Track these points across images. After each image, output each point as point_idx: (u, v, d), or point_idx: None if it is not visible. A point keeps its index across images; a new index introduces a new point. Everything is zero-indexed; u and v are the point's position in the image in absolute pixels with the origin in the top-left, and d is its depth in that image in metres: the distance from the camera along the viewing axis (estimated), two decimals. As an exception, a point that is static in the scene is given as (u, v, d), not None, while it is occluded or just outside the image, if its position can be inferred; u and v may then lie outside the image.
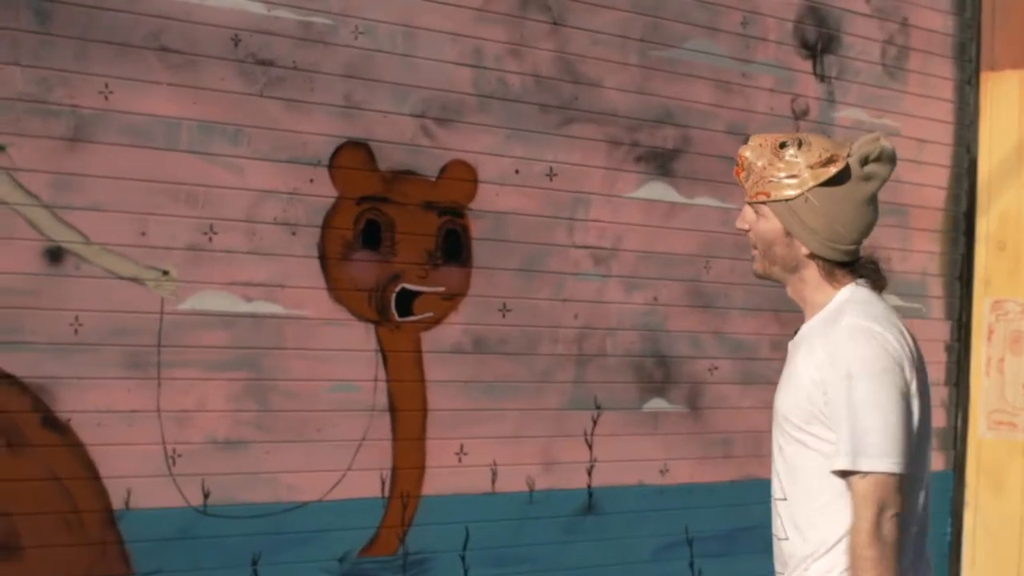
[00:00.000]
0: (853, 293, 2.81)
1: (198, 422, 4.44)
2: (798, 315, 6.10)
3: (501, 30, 5.14)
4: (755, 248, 2.88)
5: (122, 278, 4.31)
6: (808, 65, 6.16)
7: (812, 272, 2.82)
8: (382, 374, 4.83)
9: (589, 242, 5.37)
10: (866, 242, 2.90)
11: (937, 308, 6.72)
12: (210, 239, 4.48)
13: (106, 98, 4.28)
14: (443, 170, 4.99)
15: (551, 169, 5.28)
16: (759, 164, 2.81)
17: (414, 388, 4.91)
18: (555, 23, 5.29)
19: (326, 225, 4.72)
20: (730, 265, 5.74)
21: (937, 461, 6.69)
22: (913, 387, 2.72)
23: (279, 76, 4.62)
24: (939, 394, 6.68)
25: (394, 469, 4.87)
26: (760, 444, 5.44)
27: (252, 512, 4.55)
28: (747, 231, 2.89)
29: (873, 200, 2.81)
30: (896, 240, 6.48)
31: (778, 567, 2.90)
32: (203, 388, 4.45)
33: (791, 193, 2.76)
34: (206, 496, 4.46)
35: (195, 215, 4.44)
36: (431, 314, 4.96)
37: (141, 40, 4.34)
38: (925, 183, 6.63)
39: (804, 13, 6.12)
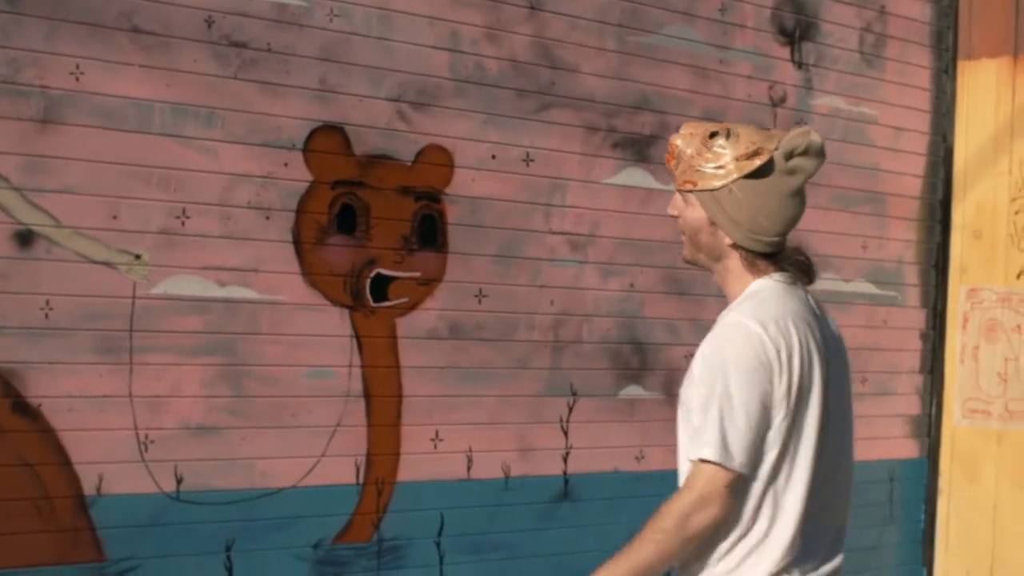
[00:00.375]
0: (760, 288, 2.82)
1: (171, 408, 4.40)
2: (775, 302, 6.07)
3: (478, 14, 5.11)
4: (682, 234, 2.90)
5: (94, 262, 4.26)
6: (786, 52, 6.15)
7: (735, 262, 2.84)
8: (357, 360, 4.80)
9: (566, 228, 5.34)
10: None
11: (913, 296, 6.72)
12: (183, 223, 4.43)
13: (77, 79, 4.23)
14: (419, 155, 4.96)
15: (528, 155, 5.25)
16: (688, 152, 2.82)
17: (389, 374, 4.88)
18: (532, 7, 5.26)
19: (300, 209, 4.68)
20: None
21: (912, 448, 6.71)
22: (780, 391, 2.72)
23: (253, 58, 4.57)
24: (914, 382, 6.69)
25: (369, 455, 4.84)
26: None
27: (226, 498, 4.51)
28: (676, 217, 2.90)
29: (798, 193, 2.82)
30: (873, 228, 6.48)
31: None
32: (176, 373, 4.41)
33: (717, 184, 2.78)
34: (179, 482, 4.42)
35: (168, 199, 4.40)
36: (406, 299, 4.93)
37: (113, 20, 4.29)
38: (902, 171, 6.64)
39: (782, 0, 6.10)
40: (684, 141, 2.85)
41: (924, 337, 6.76)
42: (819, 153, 2.82)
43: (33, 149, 4.16)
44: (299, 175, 4.67)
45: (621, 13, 5.52)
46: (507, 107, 5.18)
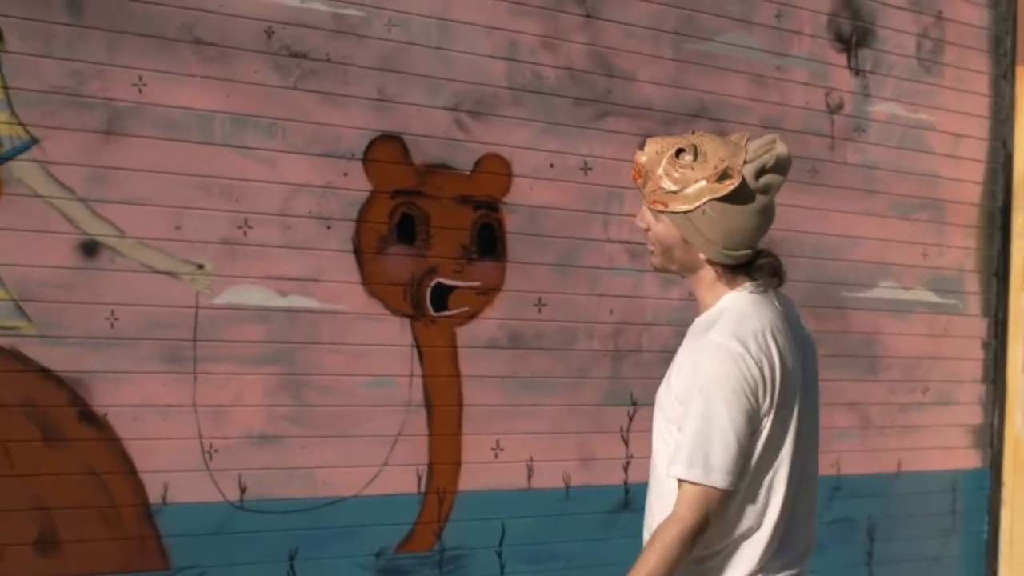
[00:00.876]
0: (734, 301, 2.82)
1: (234, 417, 4.42)
2: (833, 310, 6.04)
3: (535, 23, 5.11)
4: (652, 245, 2.88)
5: (157, 272, 4.29)
6: (843, 59, 6.11)
7: (708, 273, 2.84)
8: (418, 369, 4.80)
9: (624, 236, 5.32)
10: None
11: (974, 304, 6.65)
12: (245, 233, 4.45)
13: (140, 91, 4.26)
14: (477, 164, 4.96)
15: (585, 163, 5.24)
16: (657, 172, 2.77)
17: (450, 383, 4.88)
18: (589, 16, 5.26)
19: (360, 219, 4.69)
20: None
21: (973, 458, 6.64)
22: (764, 407, 2.75)
23: (313, 69, 4.59)
24: (976, 391, 6.62)
25: (430, 465, 4.84)
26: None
27: (288, 507, 4.52)
28: (646, 230, 2.87)
29: (770, 206, 2.80)
30: (932, 235, 6.42)
31: (645, 532, 2.92)
32: (239, 383, 4.43)
33: (688, 206, 2.74)
34: (242, 491, 4.43)
35: (230, 209, 4.42)
36: (466, 309, 4.93)
37: (175, 32, 4.32)
38: (961, 178, 6.57)
39: (839, 6, 6.07)
40: (650, 160, 2.78)
41: (986, 346, 6.69)
42: (786, 165, 2.77)
43: (97, 160, 4.20)
44: (359, 185, 4.69)
45: (677, 21, 5.51)
46: (564, 115, 5.18)
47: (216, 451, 4.38)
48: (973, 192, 6.64)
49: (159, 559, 4.27)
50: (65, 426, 4.11)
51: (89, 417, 4.16)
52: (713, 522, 2.72)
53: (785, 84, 5.88)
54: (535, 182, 5.10)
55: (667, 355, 5.33)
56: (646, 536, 2.88)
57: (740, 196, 2.72)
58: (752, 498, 2.79)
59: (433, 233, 4.84)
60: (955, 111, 6.55)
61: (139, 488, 4.24)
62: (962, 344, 6.57)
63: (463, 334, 4.92)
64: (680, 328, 5.37)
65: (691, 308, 5.43)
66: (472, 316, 4.95)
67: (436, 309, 4.85)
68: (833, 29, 6.08)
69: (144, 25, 4.26)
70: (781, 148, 2.76)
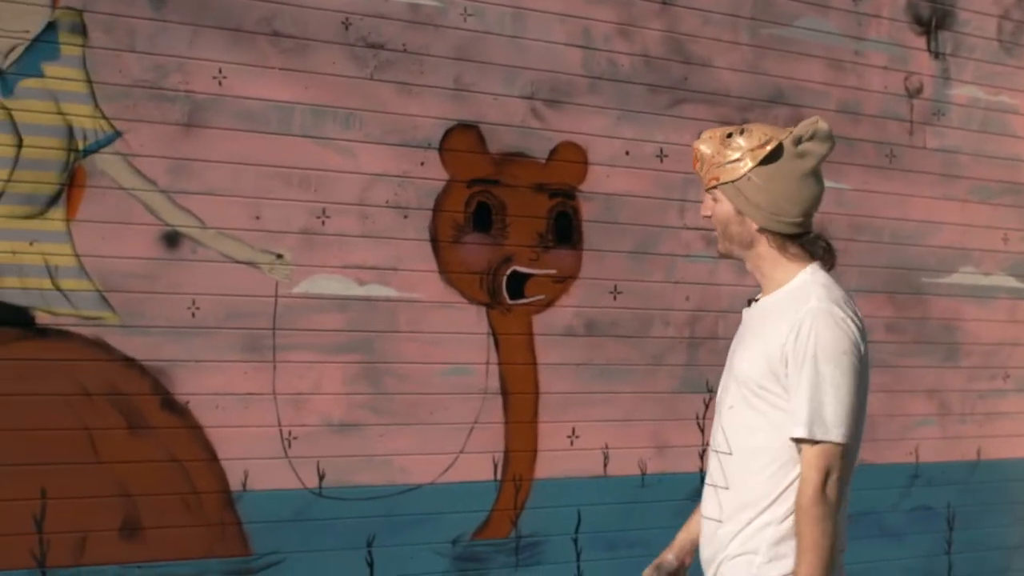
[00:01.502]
0: (814, 275, 3.00)
1: (313, 405, 4.47)
2: (915, 295, 5.98)
3: (610, 10, 5.10)
4: (715, 230, 3.10)
5: (237, 262, 4.35)
6: (922, 42, 6.03)
7: (765, 247, 3.02)
8: (494, 357, 4.82)
9: (700, 224, 5.30)
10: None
11: (1056, 289, 6.55)
12: (323, 223, 4.50)
13: (220, 83, 4.32)
14: (553, 152, 4.97)
15: (661, 150, 5.23)
16: (709, 154, 3.04)
17: (526, 371, 4.90)
18: (664, 3, 5.24)
19: (437, 208, 4.72)
20: (844, 246, 5.63)
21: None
22: (865, 367, 2.94)
23: (389, 59, 4.62)
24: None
25: (506, 452, 4.86)
26: (873, 427, 5.37)
27: (366, 494, 4.57)
28: (709, 217, 3.10)
29: (813, 175, 3.00)
30: (1013, 220, 6.33)
31: (710, 512, 3.09)
32: (318, 371, 4.48)
33: (736, 175, 2.98)
34: (321, 478, 4.49)
35: (308, 199, 4.47)
36: (542, 297, 4.94)
37: (253, 25, 4.37)
38: (1043, 161, 6.47)
39: (918, -11, 5.99)
40: (705, 145, 3.06)
41: (1068, 331, 6.59)
42: (826, 137, 3.00)
43: (178, 152, 4.26)
44: (435, 174, 4.72)
45: (753, 6, 5.48)
46: (640, 103, 5.17)
47: (295, 439, 4.43)
48: (1056, 176, 6.54)
49: (240, 545, 4.34)
50: (148, 414, 4.19)
51: (171, 405, 4.23)
52: (836, 478, 2.85)
53: (863, 68, 5.82)
54: (611, 170, 5.10)
55: (743, 342, 5.37)
56: (715, 513, 3.03)
57: (781, 163, 2.96)
58: (855, 457, 2.95)
59: (509, 221, 4.86)
60: (1038, 94, 6.45)
61: (220, 475, 4.30)
62: (1044, 330, 6.48)
63: (539, 322, 4.94)
64: (757, 315, 5.39)
65: (768, 295, 5.43)
66: (548, 304, 4.96)
67: (512, 297, 4.87)
68: (912, 12, 6.00)
69: (223, 18, 4.32)
70: (822, 123, 3.00)
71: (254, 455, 4.36)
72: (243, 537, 4.35)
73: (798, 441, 2.88)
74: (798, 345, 2.87)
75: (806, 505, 2.85)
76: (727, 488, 3.01)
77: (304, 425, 4.45)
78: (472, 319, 4.79)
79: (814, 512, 2.84)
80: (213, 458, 4.30)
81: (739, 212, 3.00)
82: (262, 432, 4.38)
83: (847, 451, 2.87)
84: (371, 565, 4.59)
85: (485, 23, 4.81)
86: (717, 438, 3.08)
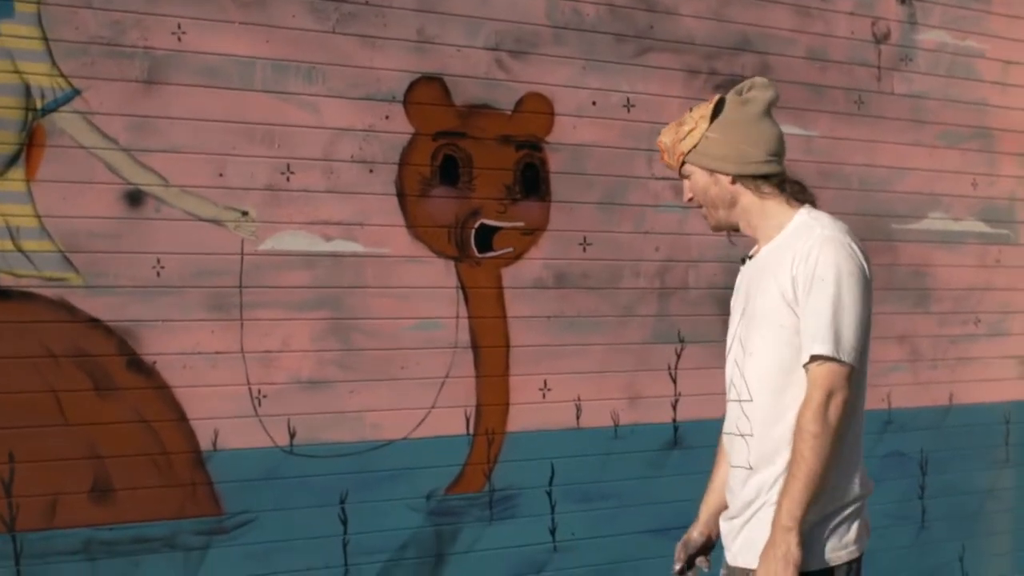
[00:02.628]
0: (811, 213, 3.07)
1: (282, 362, 4.44)
2: (884, 242, 5.96)
3: (574, -41, 5.05)
4: (702, 208, 3.19)
5: (202, 220, 4.30)
6: (889, -13, 6.01)
7: (748, 198, 3.10)
8: (464, 311, 4.80)
9: (669, 173, 5.27)
10: None
11: (1025, 233, 6.57)
12: (288, 179, 4.45)
13: (179, 39, 4.26)
14: (519, 103, 4.93)
15: (628, 100, 5.19)
16: (669, 140, 3.17)
17: (496, 324, 4.88)
18: (629, -50, 5.18)
19: (403, 162, 4.68)
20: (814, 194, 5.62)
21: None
22: (871, 293, 3.01)
23: (351, 12, 4.57)
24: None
25: (478, 406, 4.84)
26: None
27: (338, 451, 4.55)
28: (691, 199, 3.20)
29: (764, 118, 3.10)
30: (982, 165, 6.33)
31: (739, 460, 3.12)
32: (286, 328, 4.44)
33: (695, 141, 3.11)
34: (292, 436, 4.46)
35: (272, 155, 4.42)
36: (511, 249, 4.91)
37: (213, -21, 4.31)
38: (1011, 106, 6.46)
39: (884, -67, 5.95)
40: (664, 136, 3.19)
41: (1038, 275, 6.60)
42: (766, 85, 3.12)
43: (139, 110, 4.20)
44: (401, 127, 4.67)
45: (719, -47, 5.43)
46: (606, 52, 5.13)
47: (265, 397, 4.40)
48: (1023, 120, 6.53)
49: (212, 505, 4.32)
50: (115, 375, 4.15)
51: (138, 366, 4.19)
52: (840, 400, 2.92)
53: (830, 15, 5.78)
54: (578, 120, 5.06)
55: (714, 291, 5.37)
56: (743, 461, 3.07)
57: (729, 112, 3.09)
58: (862, 385, 3.02)
59: (476, 174, 4.82)
60: (1005, 37, 6.43)
61: (190, 435, 4.27)
62: (1014, 274, 6.49)
63: (508, 275, 4.91)
64: (727, 264, 5.39)
65: (738, 245, 5.42)
66: (517, 257, 4.93)
67: (481, 250, 4.84)
68: (878, -43, 5.96)
69: (181, -28, 4.25)
70: (758, 77, 3.18)
71: (223, 414, 4.33)
72: (215, 497, 4.33)
73: (808, 363, 2.93)
74: (807, 268, 2.94)
75: (803, 423, 2.90)
76: (753, 435, 3.05)
77: (273, 383, 4.42)
78: (441, 273, 4.76)
79: (811, 429, 2.89)
80: (182, 418, 4.26)
81: (711, 172, 3.10)
82: (231, 391, 4.35)
83: (853, 373, 2.93)
84: (344, 522, 4.57)
85: (448, -26, 4.76)
86: (738, 389, 3.12)
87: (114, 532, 4.16)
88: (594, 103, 5.10)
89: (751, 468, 3.05)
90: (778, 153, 3.11)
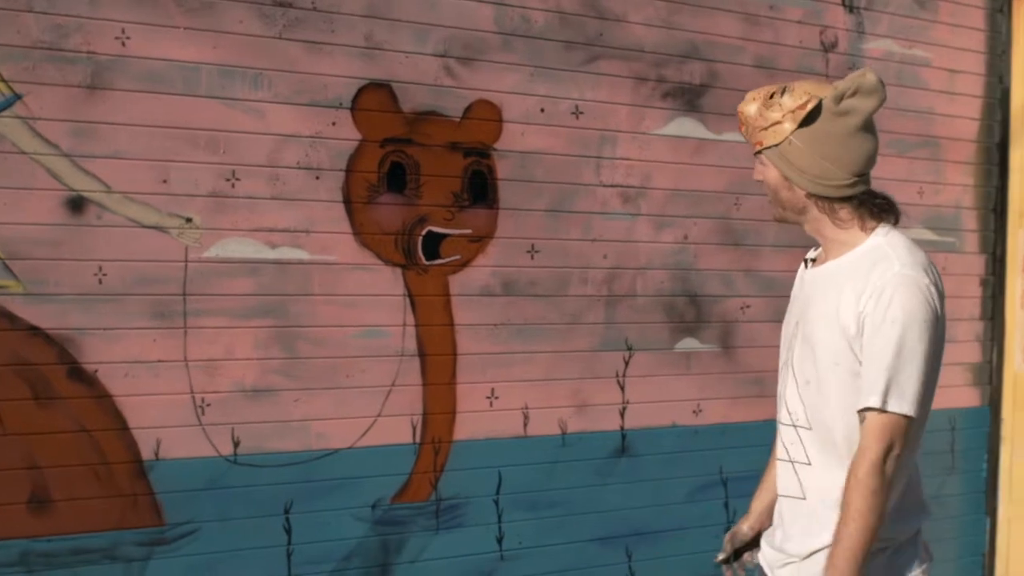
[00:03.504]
0: (888, 237, 2.89)
1: (226, 371, 4.40)
2: (831, 251, 5.95)
3: (523, -34, 5.04)
4: (768, 197, 3.02)
5: (145, 226, 4.26)
6: (837, -4, 6.04)
7: (819, 212, 2.92)
8: (410, 318, 4.77)
9: (617, 181, 5.28)
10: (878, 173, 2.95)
11: (971, 241, 6.61)
12: (233, 185, 4.41)
13: (123, 44, 4.21)
14: (467, 110, 4.91)
15: (577, 107, 5.18)
16: (753, 115, 2.92)
17: (443, 332, 4.85)
18: (578, -43, 5.18)
19: (350, 168, 4.65)
20: (760, 202, 5.64)
21: (973, 397, 6.62)
22: (942, 338, 2.87)
23: (298, 17, 4.53)
24: (974, 328, 6.59)
25: (425, 414, 4.82)
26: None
27: (282, 460, 4.51)
28: (761, 182, 3.01)
29: (859, 133, 2.86)
30: (929, 173, 6.37)
31: (790, 490, 3.01)
32: (230, 336, 4.40)
33: (778, 139, 2.87)
34: (236, 445, 4.42)
35: (217, 161, 4.38)
36: (458, 257, 4.89)
37: (157, -17, 4.26)
38: (957, 115, 6.51)
39: (832, -58, 5.98)
40: (748, 106, 2.94)
41: (984, 283, 6.65)
42: (872, 91, 2.85)
43: (82, 115, 4.15)
44: (347, 134, 4.64)
45: (668, -39, 5.44)
46: (554, 59, 5.12)
47: (208, 405, 4.36)
48: (970, 128, 6.58)
49: (153, 515, 4.27)
50: (55, 384, 4.09)
51: (79, 374, 4.14)
52: (897, 453, 2.79)
53: (778, 23, 5.80)
54: (526, 127, 5.05)
55: (661, 299, 5.38)
56: (795, 491, 2.97)
57: (822, 123, 2.84)
58: (921, 431, 2.91)
59: (423, 181, 4.80)
60: (951, 47, 6.47)
61: (131, 444, 4.23)
62: (960, 282, 6.54)
63: (455, 282, 4.89)
64: (675, 271, 5.39)
65: (685, 252, 5.43)
66: (464, 264, 4.91)
67: (428, 258, 4.81)
68: (827, -34, 5.99)
69: (124, -24, 4.20)
70: (869, 76, 2.86)
71: (166, 423, 4.29)
72: (156, 507, 4.28)
73: (865, 409, 2.79)
74: (877, 310, 2.78)
75: (861, 475, 2.76)
76: (809, 464, 2.95)
77: (217, 392, 4.38)
78: (387, 281, 4.73)
79: (868, 483, 2.76)
80: (124, 427, 4.21)
81: (786, 178, 2.90)
82: (174, 400, 4.30)
83: (913, 425, 2.80)
84: (289, 532, 4.53)
85: (396, -20, 4.73)
86: (793, 411, 2.99)
87: (52, 544, 4.10)
88: (542, 110, 5.09)
89: (803, 499, 2.97)
90: (864, 172, 2.91)
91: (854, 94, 2.85)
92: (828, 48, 5.99)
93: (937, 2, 6.41)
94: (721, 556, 3.30)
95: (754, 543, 3.29)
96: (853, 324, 2.82)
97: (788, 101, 2.86)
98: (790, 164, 2.87)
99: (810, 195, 2.89)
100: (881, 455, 2.76)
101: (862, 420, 2.81)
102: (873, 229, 2.91)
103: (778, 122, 2.85)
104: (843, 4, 6.05)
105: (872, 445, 2.77)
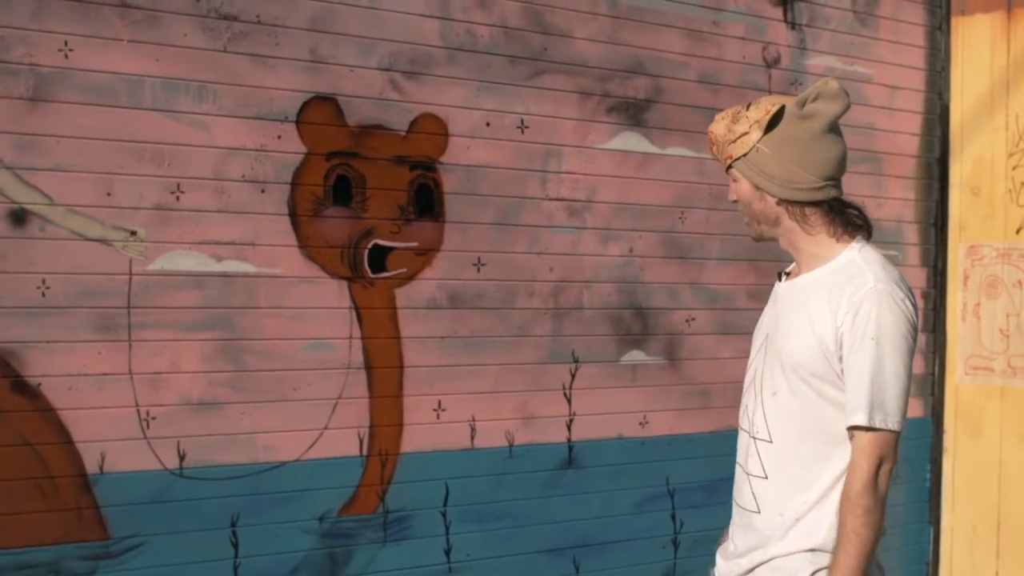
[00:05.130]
0: (863, 252, 2.92)
1: (171, 384, 4.38)
2: (775, 263, 6.04)
3: (468, -19, 5.07)
4: (744, 217, 3.02)
5: (89, 239, 4.24)
6: (779, 13, 6.11)
7: (791, 222, 2.93)
8: (357, 331, 4.78)
9: (563, 194, 5.32)
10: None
11: (913, 255, 6.70)
12: (177, 198, 4.40)
13: (66, 56, 4.20)
14: (413, 124, 4.93)
15: (522, 121, 5.21)
16: (721, 133, 2.97)
17: (390, 345, 4.86)
18: (522, -27, 5.22)
19: (295, 182, 4.65)
20: (705, 215, 5.71)
21: (915, 408, 6.69)
22: (915, 347, 2.88)
23: (243, 31, 4.54)
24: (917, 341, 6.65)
25: (372, 427, 4.82)
26: (739, 394, 5.42)
27: (229, 473, 4.50)
28: (735, 202, 3.02)
29: (826, 136, 2.91)
30: (871, 187, 6.45)
31: (745, 502, 3.01)
32: (175, 349, 4.39)
33: (746, 148, 2.91)
34: (182, 458, 4.40)
35: (161, 174, 4.37)
36: (405, 270, 4.90)
37: (101, -4, 4.25)
38: (898, 130, 6.60)
39: (773, -41, 6.06)
40: (716, 125, 2.99)
41: (926, 296, 6.74)
42: (835, 95, 2.92)
43: (24, 128, 4.13)
44: (293, 147, 4.64)
45: (611, -23, 5.49)
46: (500, 74, 5.15)
47: (154, 419, 4.34)
48: (911, 143, 6.68)
49: (98, 529, 4.24)
50: (-2, 397, 4.07)
51: (22, 388, 4.11)
52: (888, 468, 2.81)
53: (722, 39, 5.87)
54: (472, 141, 5.07)
55: (608, 311, 5.41)
56: (749, 503, 2.97)
57: (786, 126, 2.88)
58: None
59: (369, 194, 4.81)
60: (891, 63, 6.57)
61: (76, 458, 4.20)
62: (902, 295, 6.61)
63: (402, 295, 4.90)
64: (621, 284, 5.43)
65: (630, 265, 5.47)
66: (411, 277, 4.92)
67: (374, 271, 4.82)
68: (768, -17, 6.07)
69: (68, -11, 4.19)
70: (831, 82, 2.93)
71: (111, 437, 4.26)
72: (101, 521, 4.25)
73: (852, 428, 2.80)
74: (856, 327, 2.79)
75: (854, 495, 2.77)
76: (765, 478, 2.95)
77: (162, 405, 4.36)
78: (334, 294, 4.73)
79: (863, 503, 2.77)
80: (68, 441, 4.19)
81: (757, 188, 2.92)
82: (119, 413, 4.28)
83: (897, 439, 2.81)
84: (235, 545, 4.52)
85: (341, -6, 4.75)
86: (755, 423, 2.98)
87: (-4, 558, 4.07)
88: (488, 124, 5.12)
89: (757, 512, 2.97)
90: (833, 177, 2.94)
91: (816, 98, 2.91)
92: (771, 64, 6.06)
93: (878, 19, 6.51)
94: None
95: None
96: (831, 339, 2.83)
97: (753, 113, 2.91)
98: (759, 172, 2.89)
99: (781, 202, 2.91)
100: (872, 472, 2.77)
101: (852, 438, 2.82)
102: (847, 243, 2.94)
103: (745, 133, 2.90)
104: (785, 21, 6.13)
105: (862, 463, 2.78)
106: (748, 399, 3.05)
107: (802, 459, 2.91)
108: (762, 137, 2.87)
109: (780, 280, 3.09)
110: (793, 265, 3.08)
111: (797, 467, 2.91)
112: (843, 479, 2.85)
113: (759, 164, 2.89)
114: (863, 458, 2.78)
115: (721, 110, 3.12)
